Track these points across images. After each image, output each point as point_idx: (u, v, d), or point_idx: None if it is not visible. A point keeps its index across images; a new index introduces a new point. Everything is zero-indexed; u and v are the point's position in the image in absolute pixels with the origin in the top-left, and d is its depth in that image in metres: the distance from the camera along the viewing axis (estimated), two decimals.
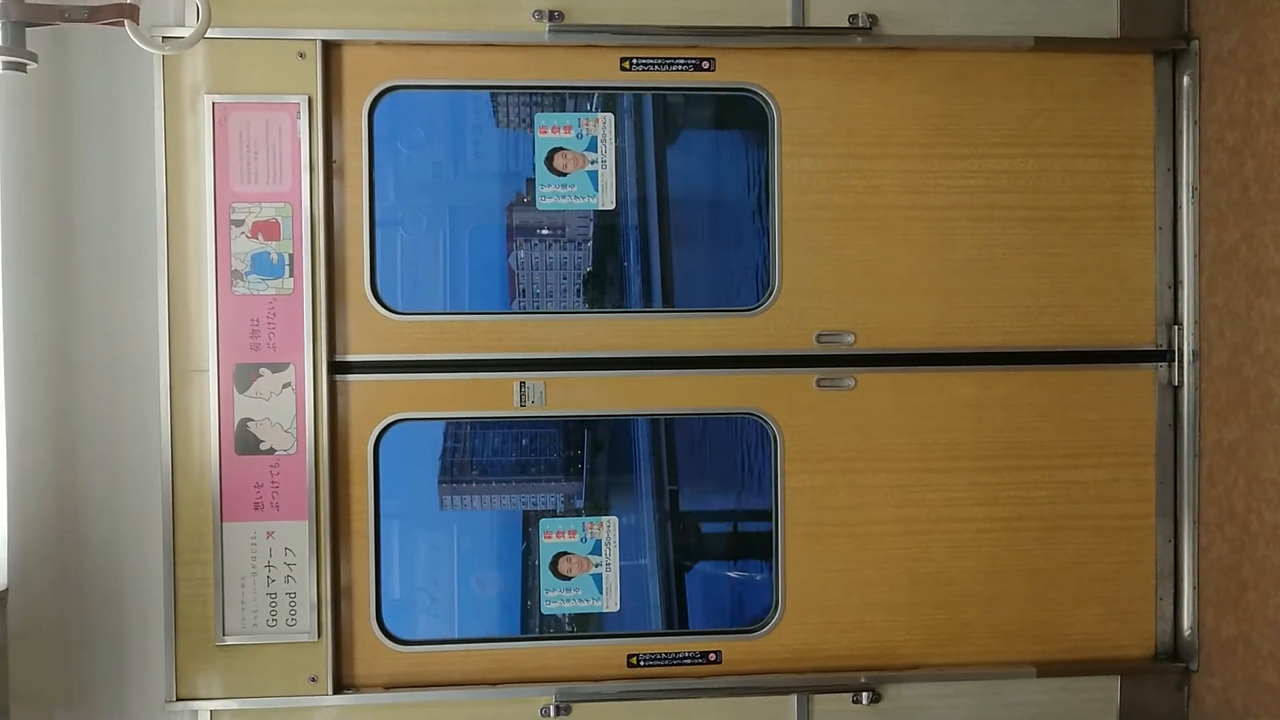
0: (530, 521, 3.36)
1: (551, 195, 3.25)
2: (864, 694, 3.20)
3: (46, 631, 3.04)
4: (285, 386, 3.05)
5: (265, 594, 3.05)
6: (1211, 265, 3.22)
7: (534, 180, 3.23)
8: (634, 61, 3.19)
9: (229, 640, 3.04)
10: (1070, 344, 3.31)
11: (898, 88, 3.25)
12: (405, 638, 3.18)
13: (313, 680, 3.07)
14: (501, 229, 3.41)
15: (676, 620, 3.53)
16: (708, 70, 3.21)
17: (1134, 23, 3.26)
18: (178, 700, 3.04)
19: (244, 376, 3.04)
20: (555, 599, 3.27)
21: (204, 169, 3.02)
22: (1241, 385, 3.08)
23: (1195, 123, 3.27)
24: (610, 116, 3.24)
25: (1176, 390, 3.32)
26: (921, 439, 3.28)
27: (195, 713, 3.07)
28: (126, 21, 2.47)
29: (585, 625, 3.30)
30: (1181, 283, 3.31)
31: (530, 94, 3.27)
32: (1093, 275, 3.31)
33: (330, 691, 3.08)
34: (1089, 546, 3.32)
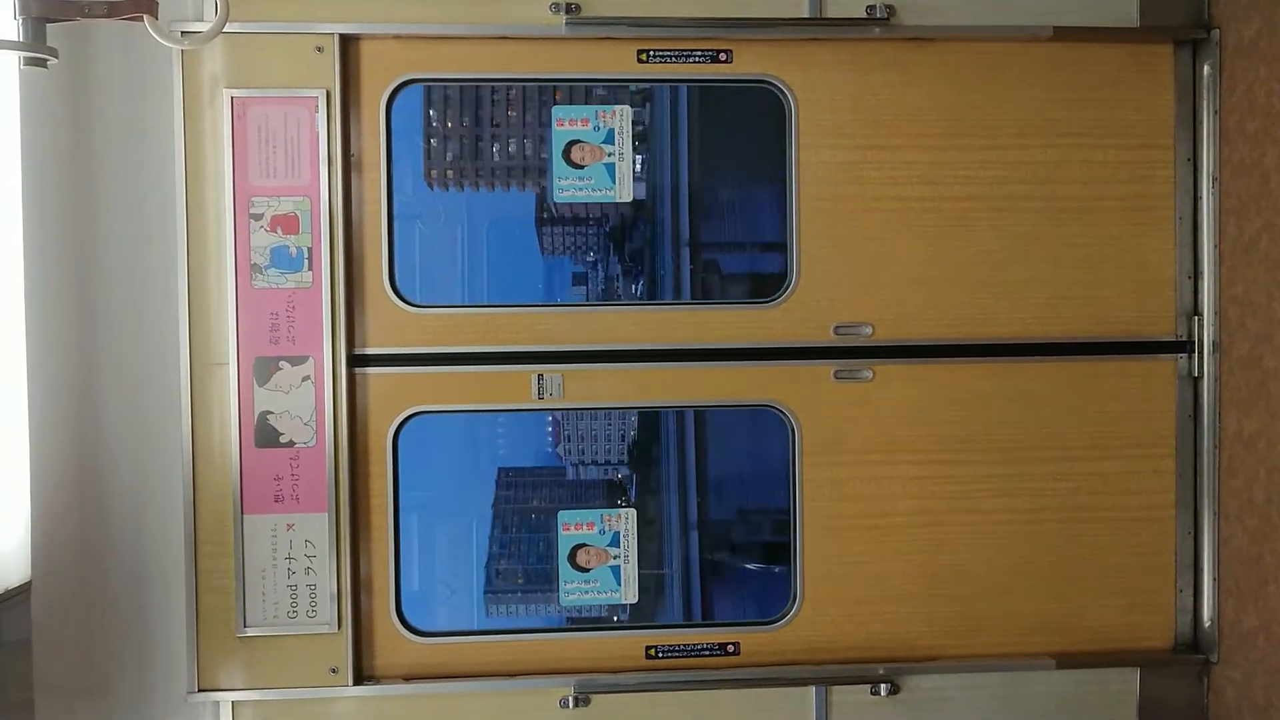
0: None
1: (569, 188, 3.25)
2: (882, 685, 3.20)
3: (70, 623, 3.06)
4: (305, 379, 3.06)
5: (286, 586, 3.06)
6: (1232, 256, 3.20)
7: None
8: (651, 54, 3.18)
9: (250, 632, 3.06)
10: (1090, 335, 3.30)
11: (916, 79, 3.24)
12: (425, 629, 3.20)
13: (333, 671, 3.09)
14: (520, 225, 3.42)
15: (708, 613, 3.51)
16: (725, 62, 3.20)
17: (1154, 12, 3.24)
18: (199, 691, 3.06)
19: (264, 370, 3.05)
20: (574, 591, 3.27)
21: (223, 163, 3.03)
22: (1262, 376, 3.06)
23: (1215, 112, 3.25)
24: (628, 109, 3.24)
25: (1196, 381, 3.31)
26: (940, 430, 3.27)
27: (217, 704, 3.09)
28: (146, 16, 2.49)
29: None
30: (1202, 273, 3.29)
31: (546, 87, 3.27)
32: (1112, 266, 3.30)
33: (350, 682, 3.10)
34: (1108, 538, 3.31)
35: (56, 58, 2.53)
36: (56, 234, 3.04)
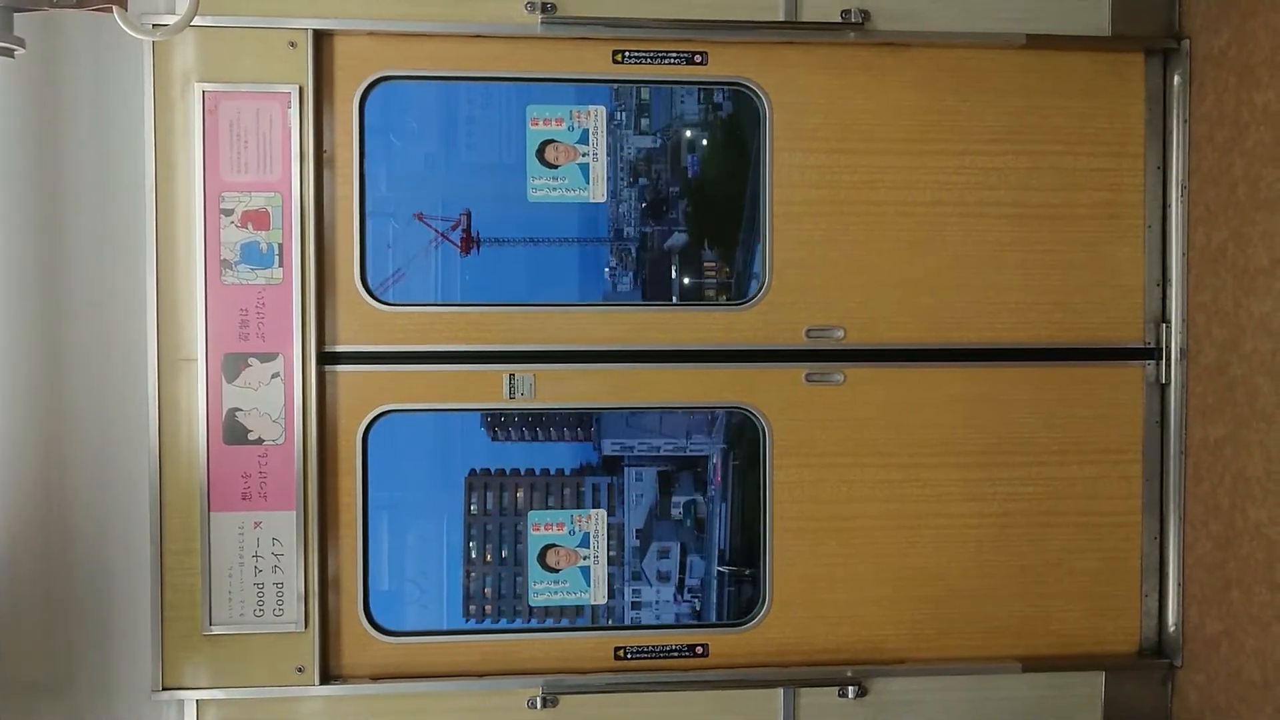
0: None
1: (542, 188, 3.24)
2: (850, 688, 3.21)
3: (33, 620, 3.03)
4: (274, 376, 3.04)
5: (253, 584, 3.04)
6: (1200, 264, 3.23)
7: None
8: (626, 54, 3.18)
9: (216, 630, 3.04)
10: (1059, 341, 3.32)
11: (890, 83, 3.25)
12: (392, 629, 3.18)
13: (300, 670, 3.07)
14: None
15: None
16: (700, 64, 3.21)
17: (1125, 21, 3.27)
18: (164, 689, 3.03)
19: (232, 366, 3.03)
20: (543, 591, 3.27)
21: (194, 158, 3.01)
22: (1228, 383, 3.09)
23: (1185, 121, 3.28)
24: (603, 109, 3.24)
25: (1164, 388, 3.34)
26: (910, 434, 3.28)
27: (181, 702, 3.06)
28: (115, 8, 2.45)
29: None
30: (1170, 281, 3.32)
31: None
32: (1082, 273, 3.32)
33: (317, 682, 3.08)
34: (1075, 543, 3.34)
35: (24, 48, 2.50)
36: (23, 227, 3.01)
